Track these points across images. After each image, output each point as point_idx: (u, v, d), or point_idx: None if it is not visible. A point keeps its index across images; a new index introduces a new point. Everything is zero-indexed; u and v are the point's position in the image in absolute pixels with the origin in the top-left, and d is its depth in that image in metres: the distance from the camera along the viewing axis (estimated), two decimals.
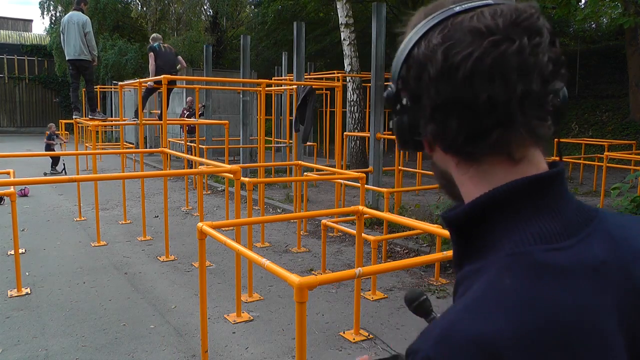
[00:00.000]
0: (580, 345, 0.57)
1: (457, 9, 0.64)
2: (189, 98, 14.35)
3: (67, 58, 8.81)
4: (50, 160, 13.39)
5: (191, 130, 13.35)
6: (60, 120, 22.59)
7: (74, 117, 9.11)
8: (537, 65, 0.62)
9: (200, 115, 12.80)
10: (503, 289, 0.60)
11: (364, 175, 5.51)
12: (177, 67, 9.50)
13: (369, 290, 4.83)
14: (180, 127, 15.52)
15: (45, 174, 12.30)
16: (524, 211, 0.64)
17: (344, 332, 3.99)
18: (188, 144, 11.36)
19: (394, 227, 6.52)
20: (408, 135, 0.70)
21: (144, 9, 26.18)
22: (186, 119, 12.60)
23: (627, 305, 0.63)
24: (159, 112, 9.98)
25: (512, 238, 0.63)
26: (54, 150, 12.79)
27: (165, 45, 9.42)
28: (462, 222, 0.67)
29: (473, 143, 0.64)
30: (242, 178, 4.81)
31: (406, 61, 0.67)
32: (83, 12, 8.73)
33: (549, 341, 0.56)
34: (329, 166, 8.45)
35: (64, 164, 13.32)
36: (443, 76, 0.62)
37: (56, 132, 13.98)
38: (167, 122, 8.01)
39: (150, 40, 9.67)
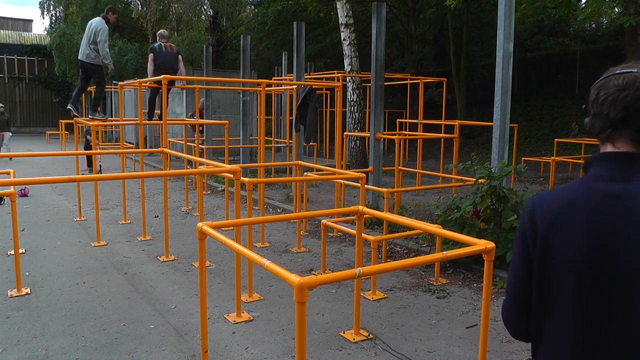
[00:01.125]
0: (560, 215, 1.28)
1: (618, 71, 1.28)
2: (202, 99, 14.59)
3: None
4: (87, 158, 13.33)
5: (201, 130, 13.58)
6: (60, 120, 22.61)
7: (68, 107, 9.24)
8: (635, 104, 1.23)
9: (201, 118, 12.92)
10: (560, 187, 1.35)
11: (364, 175, 5.50)
12: (178, 73, 9.38)
13: (369, 290, 4.83)
14: (188, 127, 15.39)
15: (99, 170, 12.50)
16: (597, 165, 1.30)
17: (344, 332, 3.99)
18: (188, 144, 11.34)
19: (394, 227, 6.52)
20: (587, 128, 1.35)
21: (144, 9, 26.17)
22: (186, 119, 12.60)
23: (603, 224, 1.24)
24: (159, 112, 9.97)
25: (587, 173, 1.32)
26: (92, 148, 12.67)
27: (168, 44, 9.32)
28: (582, 166, 1.35)
29: (600, 134, 1.31)
30: (242, 178, 4.80)
31: (589, 91, 1.34)
32: (108, 21, 8.77)
33: (551, 208, 1.29)
34: (329, 166, 8.44)
35: (100, 165, 13.27)
36: (594, 102, 1.31)
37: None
38: (167, 122, 8.01)
39: (157, 36, 9.65)
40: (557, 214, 1.28)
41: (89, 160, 13.37)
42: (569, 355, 1.28)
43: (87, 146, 13.06)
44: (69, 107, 9.18)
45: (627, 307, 1.20)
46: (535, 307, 1.35)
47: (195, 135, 13.59)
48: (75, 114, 9.16)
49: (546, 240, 1.28)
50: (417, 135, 11.06)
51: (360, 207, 3.65)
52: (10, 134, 16.96)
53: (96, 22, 8.67)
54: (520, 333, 1.44)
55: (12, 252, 5.73)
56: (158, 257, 5.96)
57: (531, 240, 1.32)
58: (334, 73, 13.83)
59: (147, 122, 9.25)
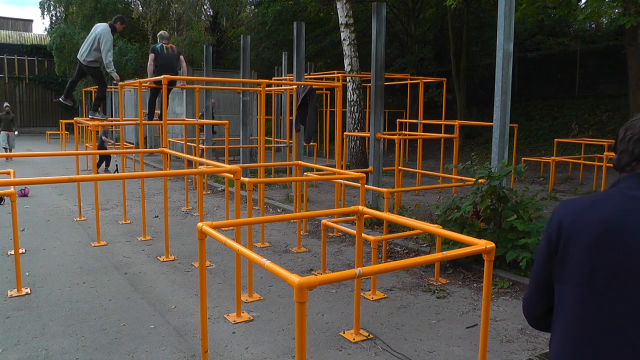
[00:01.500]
0: (586, 209, 1.46)
1: None
2: (212, 100, 14.81)
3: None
4: (98, 158, 13.33)
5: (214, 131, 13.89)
6: (60, 120, 22.62)
7: (59, 99, 9.43)
8: None
9: (201, 117, 13.10)
10: (589, 195, 1.51)
11: (364, 175, 5.50)
12: (180, 72, 9.39)
13: (369, 290, 4.82)
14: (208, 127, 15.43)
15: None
16: (624, 180, 1.48)
17: (344, 332, 3.99)
18: (188, 144, 11.35)
19: (394, 227, 6.52)
20: (615, 163, 1.56)
21: (144, 9, 26.17)
22: (186, 119, 12.61)
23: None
24: (159, 112, 9.97)
25: (617, 186, 1.50)
26: (106, 149, 12.63)
27: (169, 45, 9.25)
28: (611, 185, 1.52)
29: (625, 167, 1.51)
30: (242, 178, 4.80)
31: (618, 132, 1.55)
32: (115, 30, 8.70)
33: (578, 206, 1.47)
34: (329, 166, 8.44)
35: (116, 165, 13.22)
36: (621, 140, 1.52)
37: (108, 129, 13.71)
38: (167, 122, 8.01)
39: (157, 38, 9.61)
40: (583, 209, 1.46)
41: (107, 160, 13.40)
42: (582, 334, 1.42)
43: (101, 147, 13.04)
44: (60, 99, 9.28)
45: (636, 288, 1.35)
46: (555, 292, 1.53)
47: (210, 135, 13.89)
48: (66, 102, 9.30)
49: (570, 230, 1.46)
50: (417, 135, 11.06)
51: (360, 207, 3.65)
52: (17, 132, 16.92)
53: (101, 29, 8.54)
54: (539, 322, 1.64)
55: (12, 252, 5.73)
56: (158, 257, 5.96)
57: (555, 235, 1.49)
58: (334, 73, 13.83)
59: (147, 122, 9.26)
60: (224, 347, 3.76)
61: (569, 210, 1.48)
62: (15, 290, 4.77)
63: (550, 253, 1.51)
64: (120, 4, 26.43)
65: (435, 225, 3.94)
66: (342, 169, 9.49)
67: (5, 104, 16.97)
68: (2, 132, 16.17)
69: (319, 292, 4.76)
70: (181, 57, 9.39)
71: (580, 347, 1.42)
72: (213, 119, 13.88)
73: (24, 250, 6.10)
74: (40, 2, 28.36)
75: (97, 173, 12.35)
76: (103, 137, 13.28)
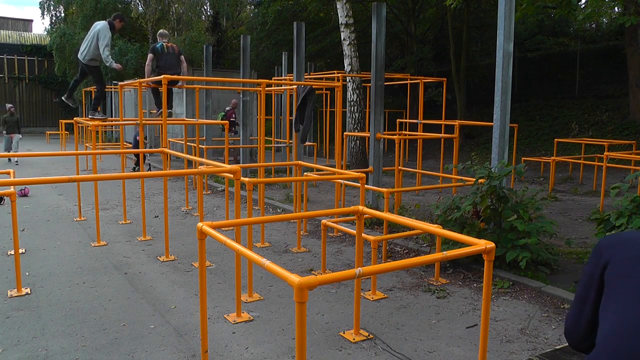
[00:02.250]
0: (626, 240, 1.53)
1: None
2: (233, 100, 14.89)
3: None
4: (136, 157, 13.37)
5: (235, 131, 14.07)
6: (60, 120, 22.63)
7: (62, 97, 9.55)
8: None
9: (223, 117, 13.27)
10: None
11: (364, 175, 5.50)
12: (181, 72, 9.36)
13: (369, 290, 4.82)
14: (223, 128, 15.50)
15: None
16: None
17: (344, 332, 3.99)
18: (188, 144, 11.34)
19: (394, 227, 6.52)
20: None
21: (144, 8, 26.16)
22: (186, 119, 12.62)
23: None
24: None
25: None
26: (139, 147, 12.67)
27: (169, 45, 9.16)
28: None
29: None
30: (242, 178, 4.80)
31: None
32: (113, 27, 8.71)
33: (625, 235, 1.53)
34: (329, 166, 8.44)
35: (149, 164, 13.22)
36: None
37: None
38: (167, 122, 8.01)
39: (157, 36, 9.56)
40: (630, 232, 1.56)
41: (137, 159, 13.41)
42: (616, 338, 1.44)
43: (136, 146, 13.03)
44: (62, 98, 9.36)
45: None
46: (605, 293, 1.53)
47: (225, 135, 13.99)
48: (67, 102, 9.38)
49: (619, 244, 1.52)
50: (417, 135, 11.06)
51: (360, 207, 3.65)
52: (20, 135, 16.35)
53: (100, 26, 8.56)
54: (582, 342, 1.63)
55: (12, 252, 5.73)
56: (158, 257, 5.96)
57: (602, 263, 1.53)
58: (334, 73, 13.83)
59: (147, 122, 9.25)
60: (224, 347, 3.76)
61: (617, 234, 1.56)
62: (15, 290, 4.77)
63: (597, 267, 1.53)
64: (120, 3, 26.42)
65: (435, 225, 3.94)
66: (342, 169, 9.49)
67: (9, 105, 16.76)
68: (7, 135, 15.95)
69: (319, 292, 4.76)
70: (182, 57, 9.34)
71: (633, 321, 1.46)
72: (235, 119, 14.04)
73: (24, 250, 6.10)
74: (40, 2, 28.38)
75: (148, 170, 12.43)
76: (137, 137, 13.27)
